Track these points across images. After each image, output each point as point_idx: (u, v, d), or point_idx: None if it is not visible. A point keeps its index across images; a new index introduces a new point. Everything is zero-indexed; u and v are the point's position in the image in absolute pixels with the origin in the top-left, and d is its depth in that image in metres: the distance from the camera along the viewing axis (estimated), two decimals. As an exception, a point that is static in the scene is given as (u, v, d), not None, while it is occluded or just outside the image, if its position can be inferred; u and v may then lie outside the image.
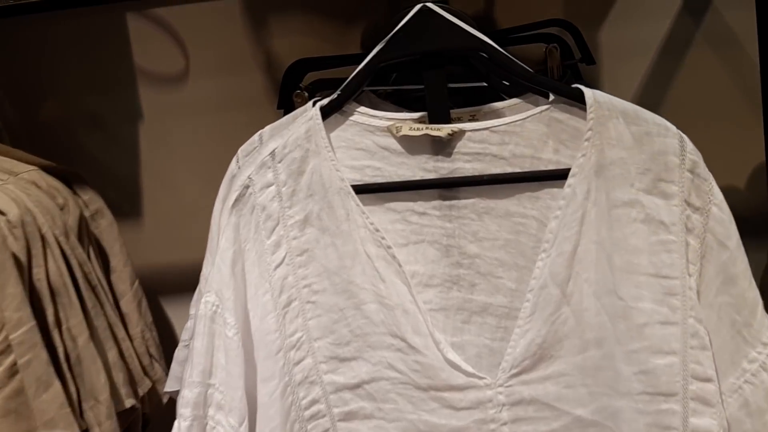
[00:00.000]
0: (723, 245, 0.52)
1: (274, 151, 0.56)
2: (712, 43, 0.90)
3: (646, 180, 0.53)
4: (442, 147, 0.58)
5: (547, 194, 0.56)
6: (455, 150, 0.57)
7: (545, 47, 0.80)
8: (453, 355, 0.55)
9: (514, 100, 0.59)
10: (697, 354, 0.51)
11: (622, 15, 0.91)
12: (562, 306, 0.54)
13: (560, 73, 0.80)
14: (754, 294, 0.53)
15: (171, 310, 0.95)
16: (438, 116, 0.58)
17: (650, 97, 0.92)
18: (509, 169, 0.57)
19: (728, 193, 0.87)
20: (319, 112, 0.57)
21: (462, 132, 0.57)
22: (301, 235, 0.56)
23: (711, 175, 0.53)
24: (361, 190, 0.56)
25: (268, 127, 0.61)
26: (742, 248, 0.53)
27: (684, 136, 0.53)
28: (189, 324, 0.68)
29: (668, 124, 0.53)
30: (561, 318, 0.54)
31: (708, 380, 0.51)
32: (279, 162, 0.56)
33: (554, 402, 0.54)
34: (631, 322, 0.53)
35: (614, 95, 0.54)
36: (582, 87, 0.55)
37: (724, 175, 0.89)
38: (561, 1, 0.91)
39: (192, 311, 0.67)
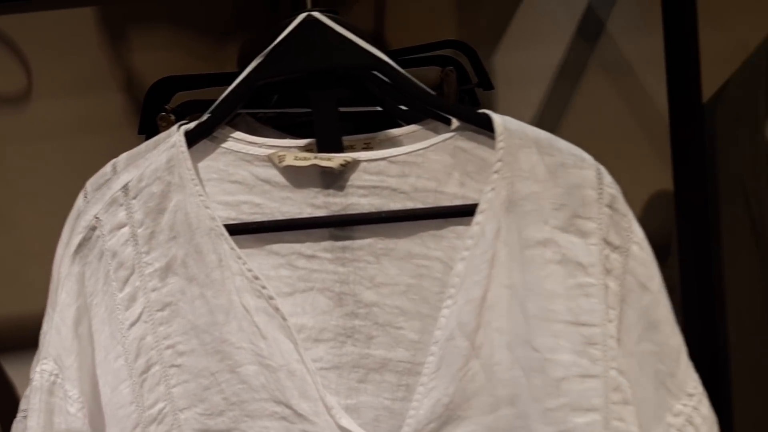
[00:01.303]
0: (644, 288, 0.48)
1: (127, 184, 0.48)
2: (607, 68, 0.90)
3: (562, 216, 0.48)
4: (333, 180, 0.50)
5: (453, 233, 0.50)
6: (349, 183, 0.50)
7: (441, 70, 0.76)
8: (347, 421, 0.48)
9: (413, 127, 0.53)
10: (620, 410, 0.47)
11: (516, 39, 0.89)
12: (471, 360, 0.48)
13: (457, 98, 0.75)
14: (678, 340, 0.49)
15: (12, 371, 0.83)
16: (328, 144, 0.50)
17: (546, 124, 0.90)
18: (410, 205, 0.50)
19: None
20: (183, 138, 0.48)
21: (356, 162, 0.50)
22: (162, 285, 0.48)
23: (630, 211, 0.49)
24: (236, 230, 0.48)
25: (124, 155, 0.52)
26: (664, 291, 0.49)
27: (601, 167, 0.49)
28: (28, 391, 0.57)
29: (584, 154, 0.49)
30: (470, 373, 0.48)
31: (631, 438, 0.46)
32: (134, 198, 0.47)
33: None
34: (548, 377, 0.47)
35: None
36: (490, 113, 0.49)
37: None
38: (454, 23, 0.87)
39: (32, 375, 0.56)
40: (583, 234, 0.48)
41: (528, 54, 0.89)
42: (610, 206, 0.48)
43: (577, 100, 0.90)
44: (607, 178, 0.49)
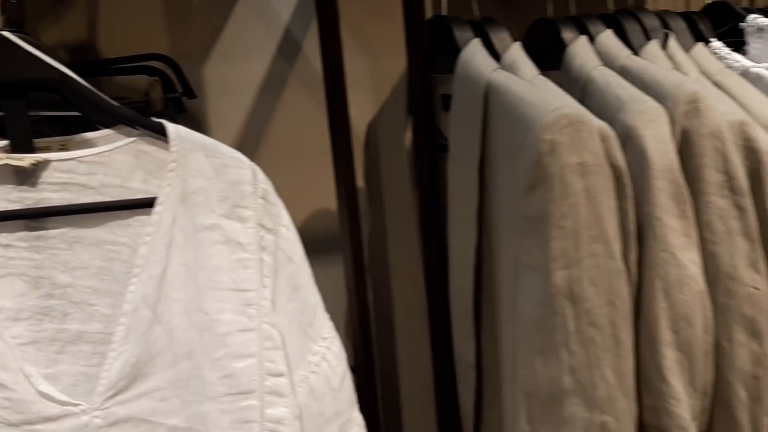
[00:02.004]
0: (291, 260, 0.62)
1: None
2: (304, 83, 1.05)
3: (225, 206, 0.60)
4: (26, 177, 0.57)
5: (137, 222, 0.59)
6: (41, 180, 0.57)
7: (148, 80, 0.85)
8: (45, 387, 0.55)
9: (107, 131, 0.61)
10: (271, 354, 0.60)
11: (224, 54, 1.00)
12: (154, 326, 0.58)
13: (163, 105, 0.85)
14: (316, 299, 0.63)
15: None
16: (20, 145, 0.57)
17: (254, 131, 1.02)
18: (99, 199, 0.58)
19: (312, 217, 1.01)
20: None
21: (47, 162, 0.57)
22: None
23: (280, 201, 0.62)
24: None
25: None
26: (305, 261, 0.63)
27: (256, 167, 0.62)
28: None
29: (242, 157, 0.61)
30: (153, 337, 0.58)
31: (280, 375, 0.60)
32: None
33: (150, 416, 0.58)
34: (215, 333, 0.59)
35: (221, 129, 0.61)
36: (165, 122, 0.60)
37: (315, 201, 1.03)
38: (166, 37, 0.96)
39: None
40: (242, 220, 0.60)
41: (236, 67, 1.00)
42: (263, 198, 0.61)
43: (280, 110, 1.04)
44: (261, 176, 0.62)
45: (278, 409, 0.59)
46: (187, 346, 0.58)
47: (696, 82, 0.79)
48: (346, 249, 0.83)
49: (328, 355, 0.63)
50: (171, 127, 0.59)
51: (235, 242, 0.60)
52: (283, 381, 0.60)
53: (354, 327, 0.85)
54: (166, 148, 0.59)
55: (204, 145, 0.60)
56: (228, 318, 0.59)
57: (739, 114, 0.76)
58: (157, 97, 0.83)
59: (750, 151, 0.75)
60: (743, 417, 0.71)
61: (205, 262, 0.59)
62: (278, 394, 0.60)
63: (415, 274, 0.91)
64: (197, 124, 0.98)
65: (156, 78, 0.83)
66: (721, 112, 0.75)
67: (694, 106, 0.73)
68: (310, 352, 0.62)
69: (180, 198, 0.59)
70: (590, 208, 0.66)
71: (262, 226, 0.61)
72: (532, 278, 0.67)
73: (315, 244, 0.97)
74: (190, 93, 0.87)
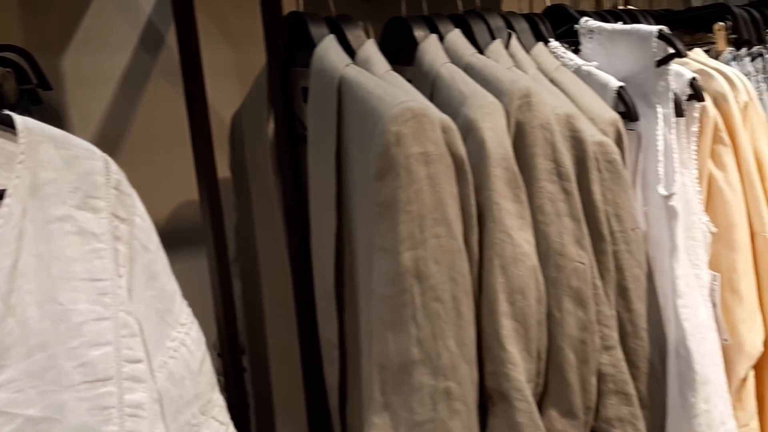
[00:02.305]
0: (146, 249, 0.64)
1: None
2: (168, 75, 1.05)
3: (77, 197, 0.61)
4: None
5: (-14, 215, 0.59)
6: None
7: (1, 71, 0.83)
8: None
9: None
10: (128, 341, 0.61)
11: (84, 45, 0.98)
12: (6, 318, 0.58)
13: (17, 97, 0.83)
14: (173, 286, 0.66)
15: None
16: None
17: (116, 123, 1.01)
18: (-56, 192, 0.58)
19: (177, 209, 1.01)
20: None
21: None
22: None
23: (134, 191, 0.64)
24: None
25: None
26: (161, 250, 0.65)
27: (109, 158, 0.63)
28: None
29: (94, 148, 0.62)
30: (6, 329, 0.58)
31: (138, 361, 0.61)
32: None
33: (5, 408, 0.58)
34: (70, 323, 0.60)
35: (82, 121, 0.60)
36: (13, 114, 0.60)
37: (180, 193, 1.04)
38: (20, 27, 0.93)
39: None
40: (95, 210, 0.61)
41: (96, 59, 0.99)
42: (116, 188, 0.62)
43: (143, 102, 1.03)
44: (114, 167, 0.63)
45: (137, 395, 0.61)
46: (42, 337, 0.59)
47: (530, 78, 0.87)
48: (208, 239, 0.85)
49: (186, 341, 0.65)
50: (19, 119, 0.59)
51: (89, 233, 0.61)
52: (141, 367, 0.62)
53: (218, 316, 0.88)
54: (15, 141, 0.59)
55: (53, 136, 0.61)
56: (83, 308, 0.60)
57: (567, 108, 0.85)
58: (10, 88, 0.82)
59: (576, 141, 0.84)
60: (573, 377, 0.79)
61: (59, 253, 0.60)
62: (137, 379, 0.61)
63: (282, 262, 0.94)
64: (57, 116, 0.97)
65: (9, 69, 0.81)
66: (551, 106, 0.83)
67: (526, 101, 0.81)
68: (169, 338, 0.64)
69: (30, 190, 0.59)
70: (433, 193, 0.71)
71: (115, 216, 0.62)
72: (384, 259, 0.72)
73: (180, 236, 0.99)
74: (45, 84, 0.86)
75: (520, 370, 0.75)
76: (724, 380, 0.95)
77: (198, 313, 0.67)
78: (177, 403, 0.64)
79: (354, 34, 0.88)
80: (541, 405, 0.81)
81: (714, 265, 1.03)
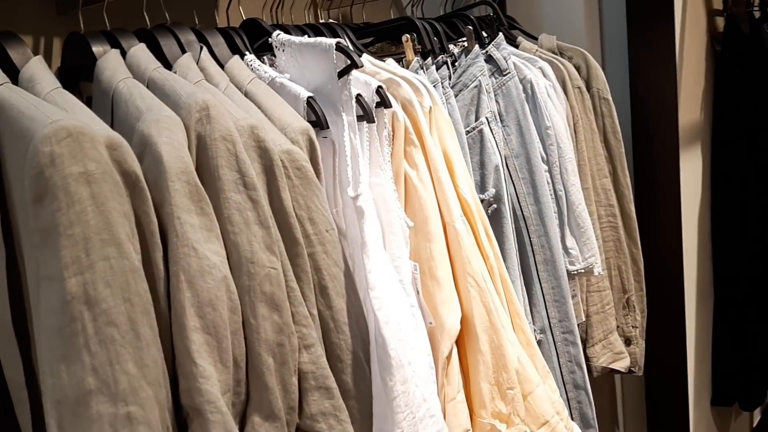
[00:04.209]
0: None
1: None
2: None
3: None
4: None
5: None
6: None
7: None
8: None
9: None
10: None
11: None
12: None
13: None
14: None
15: None
16: None
17: None
18: None
19: None
20: None
21: None
22: None
23: None
24: None
25: None
26: None
27: None
28: None
29: None
30: None
31: None
32: None
33: None
34: None
35: None
36: None
37: None
38: None
39: None
40: None
41: None
42: None
43: None
44: None
45: None
46: None
47: (209, 91, 0.88)
48: None
49: None
50: None
51: None
52: None
53: None
54: None
55: None
56: None
57: (251, 119, 0.87)
58: None
59: (262, 150, 0.86)
60: (272, 381, 0.81)
61: None
62: None
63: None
64: None
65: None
66: (233, 117, 0.85)
67: (206, 114, 0.82)
68: None
69: None
70: (99, 214, 0.69)
71: None
72: (50, 288, 0.68)
73: None
74: None
75: (212, 383, 0.75)
76: (428, 362, 1.04)
77: None
78: None
79: (18, 52, 0.83)
80: (245, 413, 0.82)
81: (416, 255, 1.12)
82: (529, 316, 1.43)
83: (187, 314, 0.76)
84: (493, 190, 1.35)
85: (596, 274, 1.46)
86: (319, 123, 0.98)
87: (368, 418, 0.93)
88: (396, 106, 1.11)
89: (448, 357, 1.10)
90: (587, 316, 1.60)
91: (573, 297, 1.55)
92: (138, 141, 0.78)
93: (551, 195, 1.43)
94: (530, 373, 1.18)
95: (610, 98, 1.61)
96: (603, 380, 1.89)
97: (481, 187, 1.36)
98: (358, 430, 0.92)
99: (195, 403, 0.75)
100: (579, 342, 1.45)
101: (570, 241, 1.44)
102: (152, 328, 0.72)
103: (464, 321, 1.12)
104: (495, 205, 1.36)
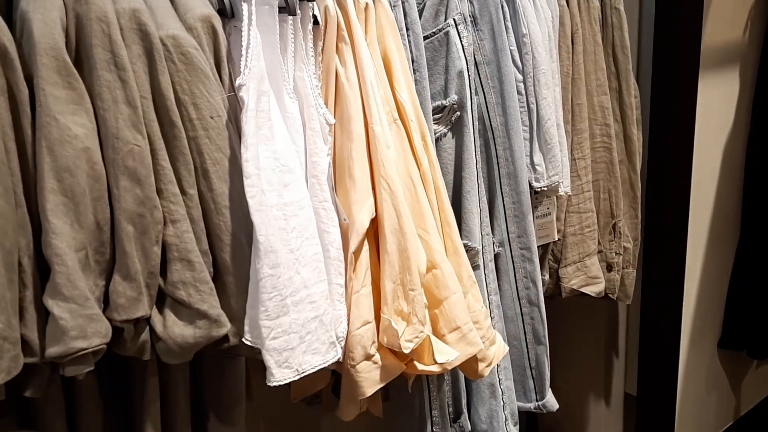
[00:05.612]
0: None
1: None
2: None
3: None
4: None
5: None
6: None
7: None
8: None
9: None
10: None
11: None
12: None
13: None
14: None
15: None
16: None
17: None
18: None
19: None
20: None
21: None
22: None
23: None
24: None
25: None
26: None
27: None
28: None
29: None
30: None
31: None
32: None
33: None
34: None
35: None
36: None
37: None
38: None
39: None
40: None
41: None
42: None
43: None
44: None
45: None
46: None
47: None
48: None
49: None
50: None
51: None
52: None
53: None
54: None
55: None
56: None
57: (134, 3, 0.91)
58: None
59: (143, 33, 0.91)
60: (130, 246, 0.90)
61: None
62: None
63: None
64: None
65: None
66: (111, 0, 0.90)
67: (84, -5, 0.87)
68: None
69: None
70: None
71: None
72: None
73: None
74: None
75: (62, 239, 0.85)
76: (335, 255, 1.09)
77: None
78: None
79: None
80: (111, 270, 0.92)
81: (339, 153, 1.15)
82: (489, 229, 1.42)
83: (46, 177, 0.85)
84: (456, 97, 1.32)
85: (561, 193, 1.42)
86: (224, 11, 1.00)
87: (244, 294, 1.00)
88: (328, 0, 1.11)
89: (356, 252, 1.14)
90: (564, 236, 1.56)
91: (547, 215, 1.52)
92: (19, 16, 0.85)
93: (523, 107, 1.38)
94: (449, 280, 1.20)
95: (622, 8, 1.49)
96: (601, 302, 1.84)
97: (444, 93, 1.33)
98: (234, 304, 1.01)
99: (47, 254, 0.85)
100: (536, 259, 1.43)
101: (537, 157, 1.40)
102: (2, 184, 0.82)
103: (378, 222, 1.15)
104: (459, 113, 1.33)
